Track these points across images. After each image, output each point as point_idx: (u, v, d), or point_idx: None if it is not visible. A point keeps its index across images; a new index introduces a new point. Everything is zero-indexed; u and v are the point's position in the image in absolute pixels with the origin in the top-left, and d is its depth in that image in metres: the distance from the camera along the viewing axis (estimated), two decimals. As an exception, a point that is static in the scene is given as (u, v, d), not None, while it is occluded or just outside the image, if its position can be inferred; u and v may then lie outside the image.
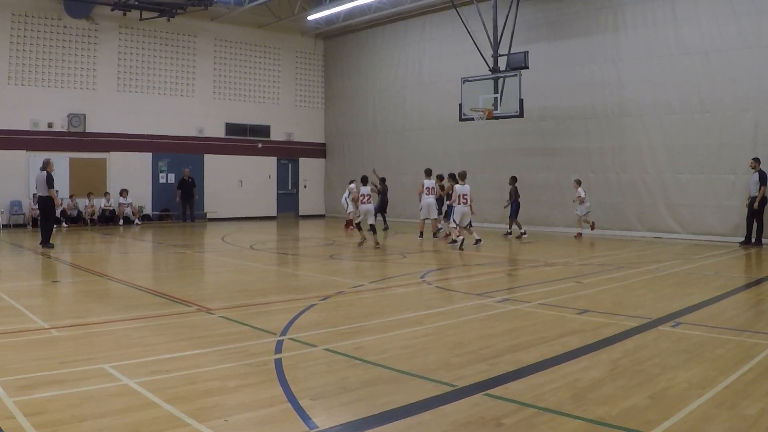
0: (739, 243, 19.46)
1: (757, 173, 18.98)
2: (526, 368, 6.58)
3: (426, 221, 21.38)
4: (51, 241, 18.62)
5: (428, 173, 21.14)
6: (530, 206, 24.58)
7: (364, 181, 19.33)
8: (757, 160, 19.08)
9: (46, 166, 18.61)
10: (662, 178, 21.74)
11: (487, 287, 12.14)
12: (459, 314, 9.60)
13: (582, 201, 21.87)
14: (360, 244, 19.31)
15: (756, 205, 19.04)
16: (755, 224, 19.21)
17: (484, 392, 5.81)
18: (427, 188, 20.70)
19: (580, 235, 22.17)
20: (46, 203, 18.62)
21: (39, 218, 20.02)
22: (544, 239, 21.53)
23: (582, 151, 23.72)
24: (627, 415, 5.22)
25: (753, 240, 19.26)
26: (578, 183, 22.06)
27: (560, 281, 12.71)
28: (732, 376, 6.22)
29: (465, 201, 18.20)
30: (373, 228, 18.67)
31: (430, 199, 20.64)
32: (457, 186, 18.36)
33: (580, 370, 6.52)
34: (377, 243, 18.67)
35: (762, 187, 18.86)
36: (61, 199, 18.75)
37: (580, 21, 23.79)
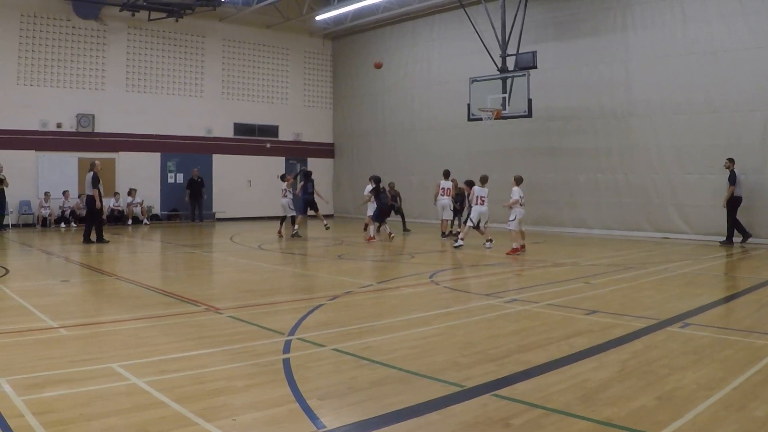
0: (740, 243, 19.59)
1: (729, 172, 19.40)
2: (535, 369, 6.57)
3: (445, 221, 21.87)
4: (92, 238, 19.71)
5: (446, 175, 21.33)
6: (538, 206, 24.58)
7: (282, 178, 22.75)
8: (731, 161, 19.42)
9: (93, 167, 19.68)
10: (670, 178, 21.69)
11: (496, 287, 12.14)
12: (467, 314, 9.59)
13: (512, 206, 17.29)
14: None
15: (723, 203, 19.48)
16: (730, 223, 19.61)
17: (493, 393, 5.80)
18: (442, 189, 20.99)
19: (515, 251, 17.32)
20: (90, 202, 19.68)
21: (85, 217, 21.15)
22: (552, 240, 21.48)
23: (590, 151, 23.68)
24: (635, 416, 5.21)
25: (743, 239, 19.62)
26: (517, 181, 17.80)
27: (569, 282, 12.69)
28: (741, 378, 6.20)
29: (482, 202, 18.40)
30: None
31: (445, 200, 20.93)
32: (475, 188, 18.46)
33: (588, 370, 6.51)
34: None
35: (730, 186, 19.26)
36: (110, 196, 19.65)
37: (589, 21, 23.75)
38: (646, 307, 10.00)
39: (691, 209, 21.22)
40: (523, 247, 17.47)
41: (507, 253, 17.19)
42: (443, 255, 17.50)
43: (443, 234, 21.44)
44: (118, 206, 27.81)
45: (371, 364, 6.73)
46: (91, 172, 19.47)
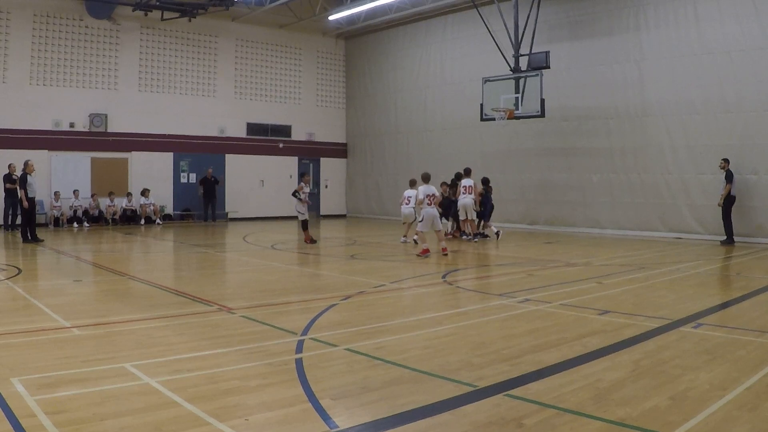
0: (719, 242, 19.97)
1: (725, 172, 19.60)
2: (548, 369, 6.57)
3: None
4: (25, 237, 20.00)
5: (467, 173, 20.92)
6: (552, 206, 24.59)
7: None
8: (726, 161, 19.59)
9: (24, 166, 20.04)
10: (684, 178, 21.58)
11: (509, 287, 12.11)
12: (480, 314, 9.58)
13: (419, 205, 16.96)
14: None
15: (720, 202, 19.63)
16: (727, 222, 19.77)
17: (505, 393, 5.80)
18: (464, 187, 20.37)
19: (425, 252, 16.61)
20: (20, 202, 20.14)
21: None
22: (566, 240, 21.42)
23: (604, 151, 23.59)
24: (648, 416, 5.20)
25: (726, 239, 19.79)
26: (423, 179, 17.23)
27: (581, 282, 12.66)
28: (754, 378, 6.18)
29: (408, 202, 19.61)
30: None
31: (466, 199, 20.34)
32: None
33: (601, 371, 6.50)
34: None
35: (727, 185, 19.44)
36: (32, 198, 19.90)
37: (602, 20, 23.67)
38: (659, 307, 9.97)
39: (704, 209, 21.07)
40: (444, 249, 16.86)
41: (417, 255, 16.73)
42: (456, 255, 17.46)
43: (466, 233, 21.05)
44: (131, 206, 27.90)
45: (384, 364, 6.74)
46: (22, 172, 19.87)
